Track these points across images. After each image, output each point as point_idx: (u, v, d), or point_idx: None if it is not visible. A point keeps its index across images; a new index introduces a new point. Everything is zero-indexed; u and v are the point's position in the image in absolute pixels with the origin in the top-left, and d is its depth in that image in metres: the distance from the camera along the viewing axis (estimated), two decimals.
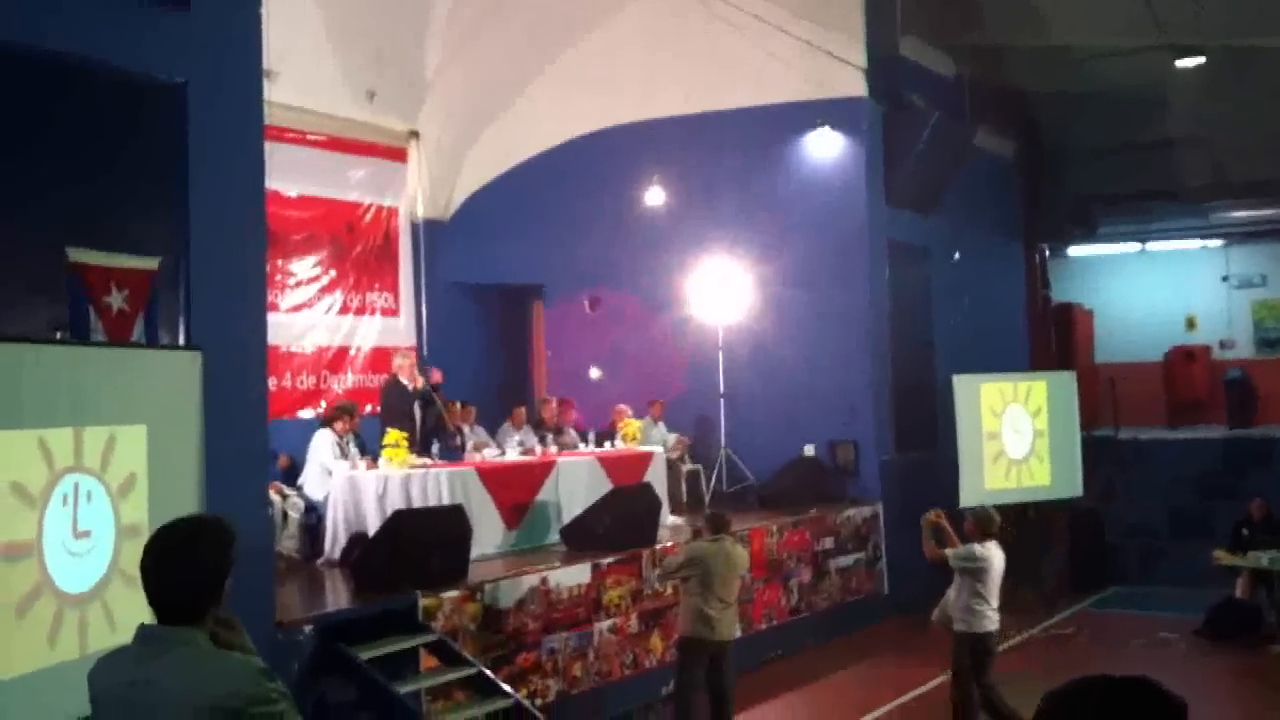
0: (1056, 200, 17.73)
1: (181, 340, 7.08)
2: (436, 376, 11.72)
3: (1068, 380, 15.10)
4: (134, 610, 2.98)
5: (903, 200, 14.20)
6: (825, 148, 13.80)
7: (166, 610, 2.89)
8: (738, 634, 8.69)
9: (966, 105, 15.28)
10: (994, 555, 8.16)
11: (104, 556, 5.67)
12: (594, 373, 14.52)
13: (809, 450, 13.43)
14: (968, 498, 13.81)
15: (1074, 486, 14.76)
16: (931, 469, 13.68)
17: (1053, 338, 17.58)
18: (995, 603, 8.19)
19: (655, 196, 14.19)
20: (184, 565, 2.90)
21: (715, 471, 13.46)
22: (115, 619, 5.57)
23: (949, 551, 8.32)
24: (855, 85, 13.60)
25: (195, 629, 2.88)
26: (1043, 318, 17.59)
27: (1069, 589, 14.60)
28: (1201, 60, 14.46)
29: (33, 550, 5.28)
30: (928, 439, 14.33)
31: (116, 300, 7.78)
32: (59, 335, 7.90)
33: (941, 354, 14.93)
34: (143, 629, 2.94)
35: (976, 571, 8.11)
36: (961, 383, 14.08)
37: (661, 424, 13.37)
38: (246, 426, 7.24)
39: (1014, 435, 14.40)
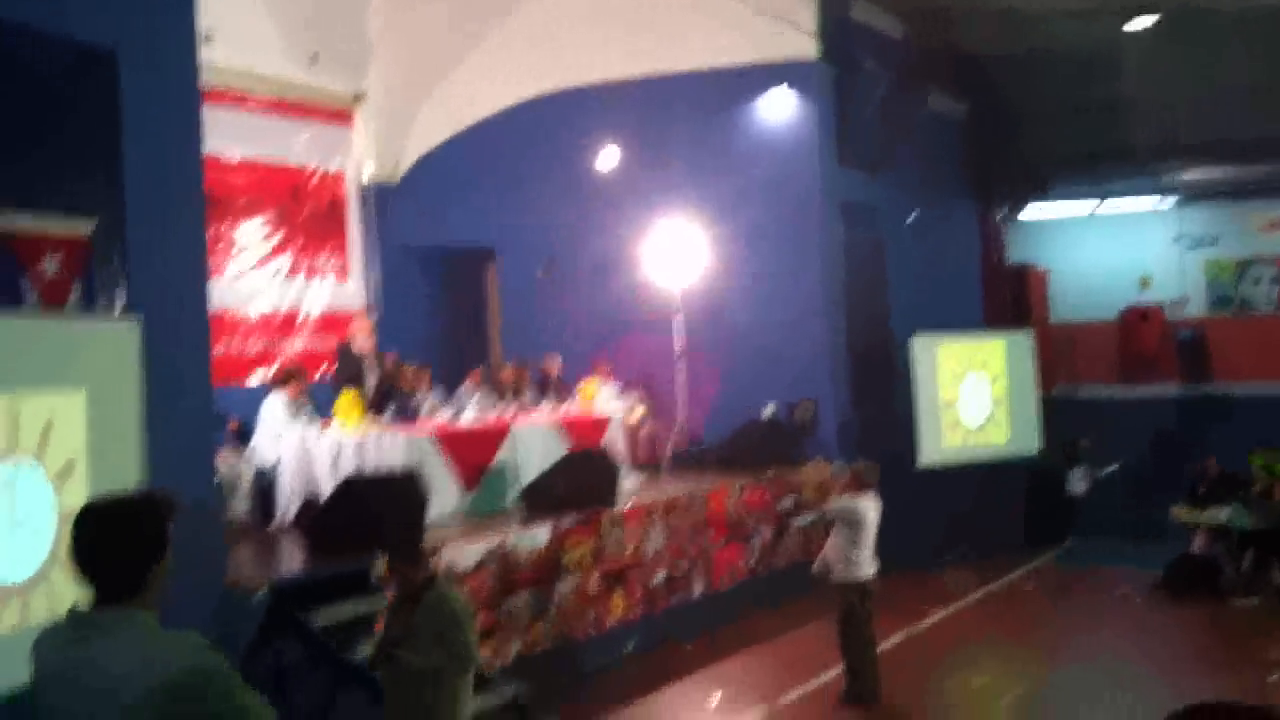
0: (1009, 162, 17.71)
1: (120, 306, 6.89)
2: (389, 361, 11.41)
3: (1025, 339, 15.19)
4: (79, 594, 2.86)
5: (856, 162, 14.13)
6: (778, 110, 13.71)
7: (105, 588, 2.75)
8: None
9: (918, 67, 15.20)
10: (869, 507, 8.58)
11: (45, 542, 5.50)
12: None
13: (768, 411, 13.37)
14: (926, 456, 13.91)
15: (1031, 444, 14.86)
16: (889, 427, 13.68)
17: (1008, 298, 17.63)
18: (870, 551, 8.56)
19: (608, 159, 14.04)
20: (115, 540, 2.77)
21: (674, 433, 13.40)
22: (60, 603, 5.41)
23: (830, 501, 8.90)
24: (806, 48, 13.50)
25: (137, 608, 2.75)
26: (997, 277, 17.62)
27: (1028, 545, 14.68)
28: (1155, 18, 14.42)
29: None
30: (884, 397, 14.32)
31: (50, 266, 7.59)
32: None
33: (897, 314, 14.89)
34: (75, 614, 2.79)
35: (854, 523, 8.50)
36: (920, 343, 14.13)
37: (612, 383, 13.30)
38: (190, 392, 7.07)
39: (972, 402, 14.46)
